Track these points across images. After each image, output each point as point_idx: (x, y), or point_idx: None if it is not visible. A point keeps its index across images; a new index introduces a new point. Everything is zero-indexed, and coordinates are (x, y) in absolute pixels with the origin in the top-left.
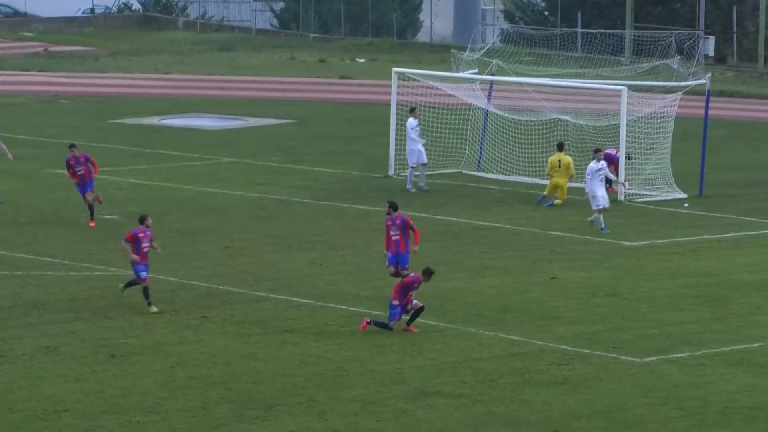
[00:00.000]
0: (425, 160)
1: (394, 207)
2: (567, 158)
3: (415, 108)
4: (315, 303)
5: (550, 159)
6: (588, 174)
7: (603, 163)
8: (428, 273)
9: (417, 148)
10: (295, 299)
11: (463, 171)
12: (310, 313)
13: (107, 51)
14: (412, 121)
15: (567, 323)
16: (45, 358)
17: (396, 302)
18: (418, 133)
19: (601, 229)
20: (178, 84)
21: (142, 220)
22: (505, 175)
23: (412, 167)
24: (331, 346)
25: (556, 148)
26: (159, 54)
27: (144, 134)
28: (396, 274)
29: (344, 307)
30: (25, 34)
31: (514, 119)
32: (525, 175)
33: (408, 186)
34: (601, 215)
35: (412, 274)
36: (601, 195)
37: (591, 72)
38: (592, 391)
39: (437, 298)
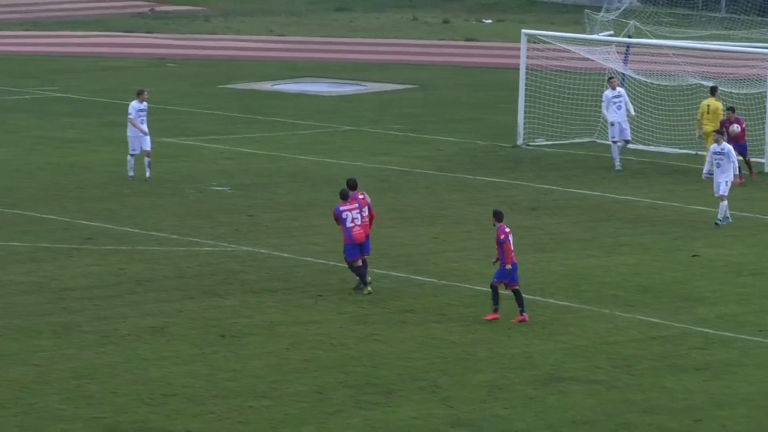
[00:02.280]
0: (628, 137)
1: (350, 187)
2: (716, 104)
3: (612, 77)
4: (437, 282)
5: (702, 104)
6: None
7: (724, 145)
8: (497, 215)
9: (618, 122)
10: (416, 277)
11: (598, 140)
12: (433, 293)
13: (218, 11)
14: (608, 93)
15: (709, 304)
16: (151, 339)
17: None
18: (618, 105)
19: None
20: (293, 47)
21: (346, 194)
22: (644, 144)
23: (613, 141)
24: (455, 327)
25: (709, 92)
26: (273, 15)
27: (256, 100)
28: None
29: (469, 286)
30: None
31: (652, 84)
32: (665, 145)
33: (617, 164)
34: (721, 203)
35: (504, 228)
36: (717, 181)
37: (736, 34)
38: (735, 378)
39: (570, 276)
